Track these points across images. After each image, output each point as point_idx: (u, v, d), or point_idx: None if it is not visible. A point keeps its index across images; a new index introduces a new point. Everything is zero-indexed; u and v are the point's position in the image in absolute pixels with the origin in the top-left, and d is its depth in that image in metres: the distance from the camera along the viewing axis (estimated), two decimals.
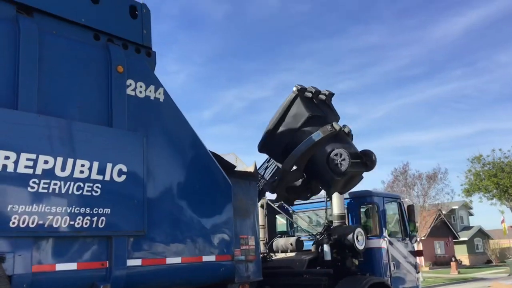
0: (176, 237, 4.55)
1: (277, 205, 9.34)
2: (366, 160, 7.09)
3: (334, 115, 7.28)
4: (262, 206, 9.31)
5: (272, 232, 8.91)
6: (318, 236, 7.78)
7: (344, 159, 6.50)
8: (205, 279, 4.85)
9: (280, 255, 8.23)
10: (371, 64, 61.81)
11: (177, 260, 4.52)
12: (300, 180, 7.40)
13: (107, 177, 4.02)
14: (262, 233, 9.26)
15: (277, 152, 6.97)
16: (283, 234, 8.97)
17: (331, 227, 7.78)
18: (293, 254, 8.02)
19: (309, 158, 6.91)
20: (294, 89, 6.82)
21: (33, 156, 3.54)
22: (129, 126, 4.35)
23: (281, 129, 6.81)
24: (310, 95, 6.93)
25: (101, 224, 3.92)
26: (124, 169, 4.16)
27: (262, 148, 6.64)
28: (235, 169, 6.23)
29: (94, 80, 4.21)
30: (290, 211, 9.06)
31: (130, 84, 4.47)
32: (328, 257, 7.37)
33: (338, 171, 6.80)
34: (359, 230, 7.54)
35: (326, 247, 7.44)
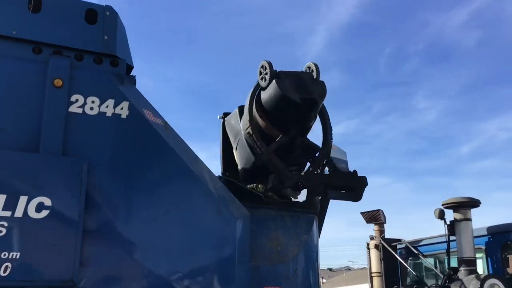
0: None
1: (403, 246, 7.47)
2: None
3: None
4: (376, 247, 7.60)
5: (392, 282, 7.07)
6: None
7: (267, 73, 4.61)
8: None
9: None
10: None
11: None
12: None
13: (18, 213, 3.35)
14: (378, 283, 7.50)
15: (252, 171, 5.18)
16: (412, 284, 7.03)
17: (455, 276, 5.71)
18: None
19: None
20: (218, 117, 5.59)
21: None
22: (65, 150, 3.67)
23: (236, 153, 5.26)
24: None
25: (5, 271, 3.24)
26: (47, 202, 3.44)
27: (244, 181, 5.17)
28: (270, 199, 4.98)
29: (19, 99, 3.68)
30: (418, 253, 7.10)
31: (77, 100, 3.82)
32: None
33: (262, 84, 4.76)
34: (493, 281, 5.35)
35: None
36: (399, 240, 7.56)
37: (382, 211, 7.68)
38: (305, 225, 4.97)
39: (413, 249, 7.10)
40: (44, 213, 3.43)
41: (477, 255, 6.42)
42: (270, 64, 4.65)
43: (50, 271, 3.38)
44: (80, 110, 3.82)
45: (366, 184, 4.95)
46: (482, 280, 5.38)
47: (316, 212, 5.14)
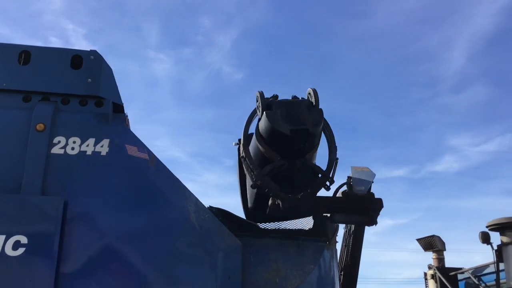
0: None
1: (465, 276, 6.81)
2: None
3: None
4: (433, 277, 7.01)
5: None
6: None
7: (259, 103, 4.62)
8: None
9: None
10: None
11: None
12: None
13: None
14: None
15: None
16: None
17: None
18: None
19: None
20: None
21: None
22: (46, 189, 4.01)
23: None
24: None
25: None
26: (24, 240, 3.78)
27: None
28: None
29: (7, 145, 4.12)
30: (481, 285, 6.45)
31: (59, 142, 4.19)
32: None
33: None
34: None
35: None
36: (459, 269, 6.92)
37: (438, 237, 7.11)
38: (312, 254, 4.82)
39: (473, 279, 6.47)
40: (20, 250, 3.76)
41: None
42: (261, 94, 4.73)
43: None
44: (61, 151, 4.17)
45: (382, 206, 4.72)
46: None
47: (327, 240, 4.97)
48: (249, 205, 5.32)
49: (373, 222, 4.72)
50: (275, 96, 4.91)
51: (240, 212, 5.26)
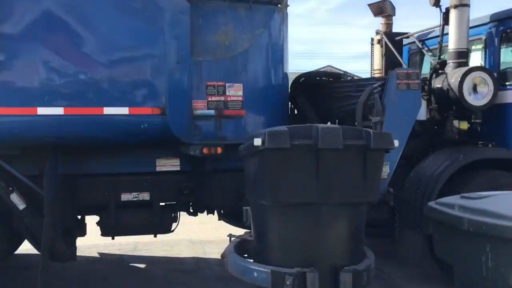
0: (51, 79, 3.87)
1: (411, 40, 7.04)
2: None
3: None
4: (379, 42, 7.23)
5: None
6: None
7: None
8: (110, 136, 4.14)
9: None
10: None
11: (56, 110, 3.89)
12: None
13: None
14: None
15: None
16: None
17: (441, 70, 5.47)
18: None
19: None
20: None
21: None
22: None
23: None
24: None
25: None
26: None
27: None
28: None
29: None
30: (424, 49, 6.72)
31: None
32: (420, 116, 5.29)
33: None
34: (478, 74, 5.10)
35: None
36: (405, 33, 7.12)
37: (390, 2, 7.11)
38: (262, 17, 4.78)
39: (418, 43, 6.72)
40: None
41: (477, 46, 6.01)
42: None
43: None
44: None
45: None
46: (464, 74, 5.10)
47: (278, 2, 4.89)
48: None
49: None
50: None
51: None
